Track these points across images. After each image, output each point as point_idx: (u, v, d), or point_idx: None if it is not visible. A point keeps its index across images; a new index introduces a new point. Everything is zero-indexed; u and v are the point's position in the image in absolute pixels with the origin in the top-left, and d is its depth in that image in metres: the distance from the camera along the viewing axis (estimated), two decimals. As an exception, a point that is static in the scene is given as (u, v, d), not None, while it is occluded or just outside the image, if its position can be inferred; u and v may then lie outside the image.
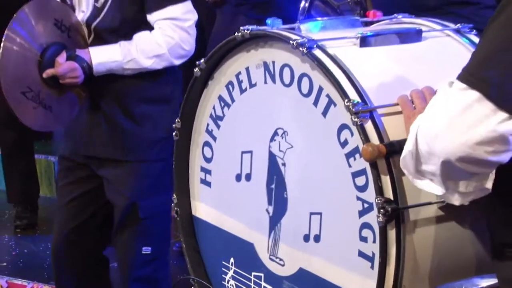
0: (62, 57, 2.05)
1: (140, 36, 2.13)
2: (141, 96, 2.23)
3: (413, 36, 1.65)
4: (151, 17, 2.15)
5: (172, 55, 2.13)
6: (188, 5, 2.22)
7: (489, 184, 1.24)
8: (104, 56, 2.11)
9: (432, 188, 1.31)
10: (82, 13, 2.18)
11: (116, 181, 2.24)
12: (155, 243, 2.29)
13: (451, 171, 1.23)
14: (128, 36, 2.15)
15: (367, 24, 1.80)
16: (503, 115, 1.14)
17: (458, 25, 1.70)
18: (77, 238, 2.34)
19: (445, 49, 1.68)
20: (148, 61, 2.13)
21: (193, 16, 2.22)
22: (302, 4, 1.94)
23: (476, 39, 1.66)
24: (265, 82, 1.67)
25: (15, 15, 2.09)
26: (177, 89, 2.26)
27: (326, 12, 2.07)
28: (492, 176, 1.23)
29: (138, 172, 2.25)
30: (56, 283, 2.55)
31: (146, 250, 2.25)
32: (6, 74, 2.08)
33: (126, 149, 2.22)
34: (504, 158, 1.17)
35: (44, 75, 2.05)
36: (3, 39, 2.04)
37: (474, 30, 1.68)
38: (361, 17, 1.80)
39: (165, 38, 2.15)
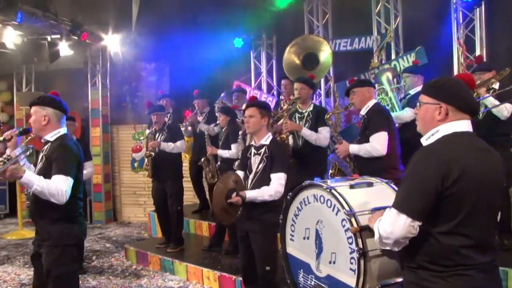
0: (234, 194, 3.85)
1: (265, 187, 3.88)
2: (265, 209, 3.94)
3: (370, 184, 3.20)
4: (271, 175, 3.95)
5: (275, 195, 3.87)
6: (285, 177, 3.92)
7: (407, 241, 2.13)
8: (250, 194, 3.87)
9: (388, 247, 2.19)
10: (252, 174, 4.05)
11: (254, 239, 3.99)
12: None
13: (398, 242, 2.14)
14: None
15: (351, 179, 3.33)
16: (416, 222, 2.07)
17: (386, 180, 3.21)
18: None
19: (381, 189, 3.19)
20: (267, 197, 3.88)
21: (285, 178, 3.92)
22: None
23: (393, 185, 3.13)
24: (315, 202, 3.24)
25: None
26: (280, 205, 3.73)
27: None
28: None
29: (265, 236, 3.96)
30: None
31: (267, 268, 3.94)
32: (216, 201, 3.93)
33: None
34: (416, 233, 2.08)
35: (228, 201, 3.86)
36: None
37: (393, 182, 3.21)
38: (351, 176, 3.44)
39: (273, 187, 3.89)
